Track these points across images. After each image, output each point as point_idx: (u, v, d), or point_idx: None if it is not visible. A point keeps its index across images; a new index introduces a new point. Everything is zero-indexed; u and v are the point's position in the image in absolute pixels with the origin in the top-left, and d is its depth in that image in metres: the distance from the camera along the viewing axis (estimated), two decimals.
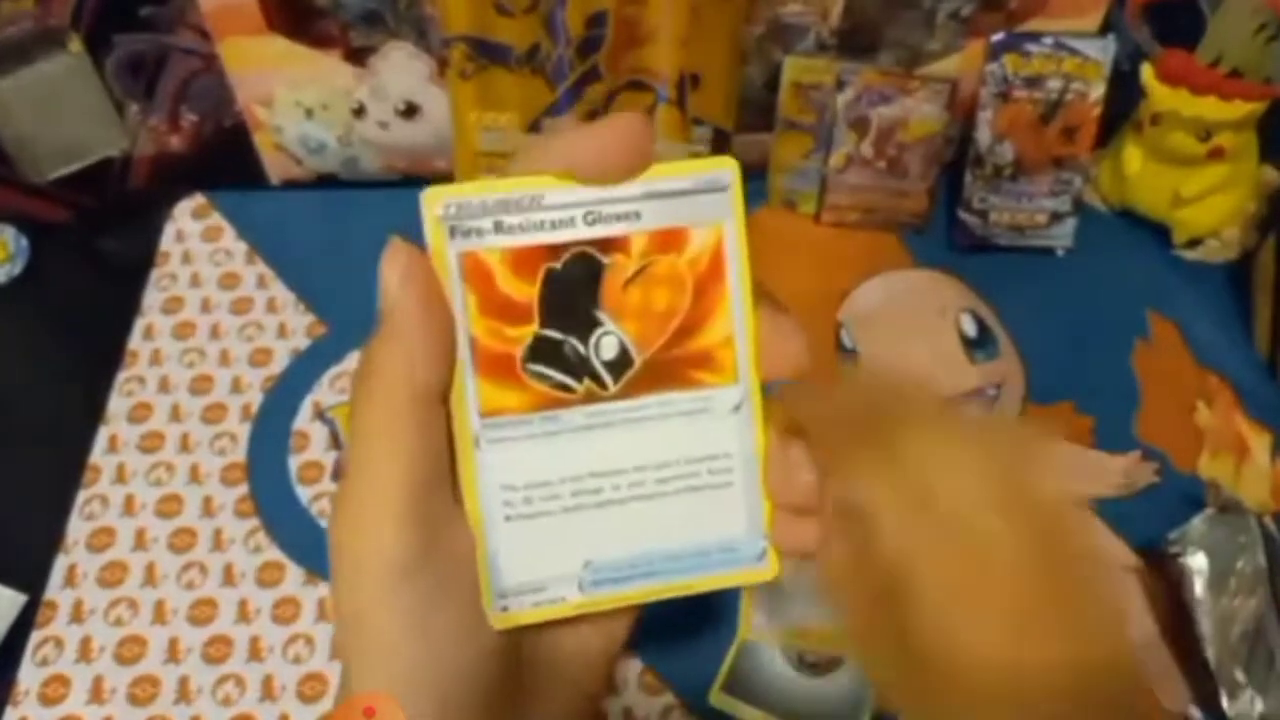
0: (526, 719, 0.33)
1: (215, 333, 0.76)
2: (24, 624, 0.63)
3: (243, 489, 0.69)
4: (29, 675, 0.61)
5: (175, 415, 0.72)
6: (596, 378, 0.32)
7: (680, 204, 0.31)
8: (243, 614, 0.64)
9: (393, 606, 0.29)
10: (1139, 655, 0.62)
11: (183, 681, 0.61)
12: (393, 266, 0.30)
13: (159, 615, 0.64)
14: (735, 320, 0.32)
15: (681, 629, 0.63)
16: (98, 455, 0.70)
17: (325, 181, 0.84)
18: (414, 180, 0.84)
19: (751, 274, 0.32)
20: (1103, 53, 0.75)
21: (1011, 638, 0.31)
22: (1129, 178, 0.79)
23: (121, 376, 0.74)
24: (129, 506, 0.68)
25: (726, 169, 0.32)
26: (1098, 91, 0.76)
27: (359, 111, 0.78)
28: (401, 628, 0.29)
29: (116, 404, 0.72)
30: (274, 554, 0.66)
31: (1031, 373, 0.74)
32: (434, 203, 0.31)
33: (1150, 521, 0.66)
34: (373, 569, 0.29)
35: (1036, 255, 0.81)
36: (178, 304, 0.77)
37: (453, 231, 0.31)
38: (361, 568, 0.29)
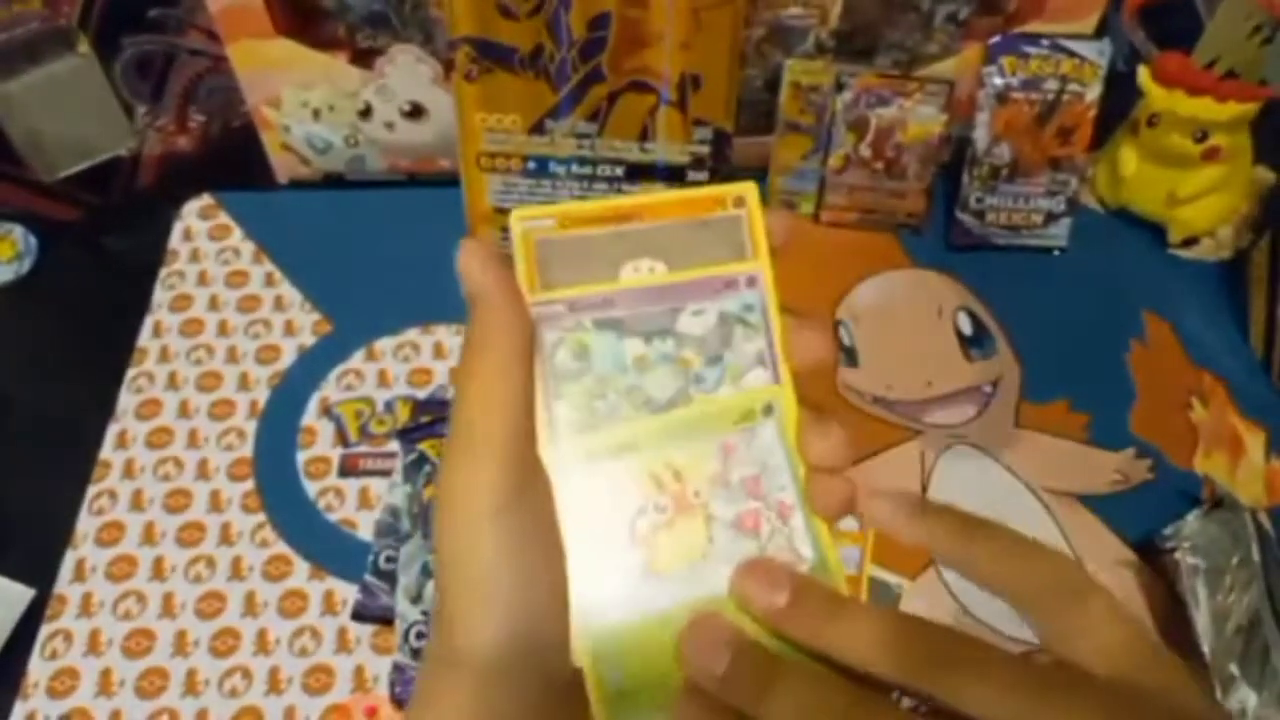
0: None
1: (223, 330, 0.77)
2: (33, 618, 0.64)
3: (250, 484, 0.69)
4: (38, 668, 0.62)
5: (183, 411, 0.73)
6: None
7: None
8: (250, 607, 0.64)
9: (493, 536, 0.33)
10: None
11: (190, 674, 0.62)
12: (472, 257, 0.35)
13: (167, 609, 0.64)
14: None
15: None
16: (107, 451, 0.71)
17: (331, 181, 0.85)
18: (419, 180, 0.85)
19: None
20: (1099, 55, 0.76)
21: None
22: (1125, 178, 0.79)
23: (130, 373, 0.74)
24: (138, 501, 0.69)
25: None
26: (1094, 93, 0.77)
27: (365, 112, 0.79)
28: (499, 555, 0.33)
29: (125, 400, 0.73)
30: (281, 548, 0.67)
31: (1027, 370, 0.75)
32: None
33: (1145, 518, 0.67)
34: (476, 505, 0.33)
35: (1033, 255, 0.81)
36: (186, 302, 0.78)
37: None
38: (466, 505, 0.34)
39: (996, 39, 0.77)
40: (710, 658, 0.34)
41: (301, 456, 0.71)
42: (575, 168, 0.74)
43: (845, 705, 0.32)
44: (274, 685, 0.62)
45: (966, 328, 0.77)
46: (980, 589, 0.36)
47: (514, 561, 0.34)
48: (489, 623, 0.34)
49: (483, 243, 0.36)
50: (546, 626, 0.35)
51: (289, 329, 0.77)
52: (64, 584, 0.65)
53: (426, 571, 0.63)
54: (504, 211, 0.72)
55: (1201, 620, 0.61)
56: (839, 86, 0.77)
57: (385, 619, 0.63)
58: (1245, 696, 0.59)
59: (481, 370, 0.35)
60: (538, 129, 0.72)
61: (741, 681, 0.33)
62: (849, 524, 0.67)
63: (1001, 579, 0.35)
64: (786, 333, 0.38)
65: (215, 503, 0.69)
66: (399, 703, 0.61)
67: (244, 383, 0.74)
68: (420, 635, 0.61)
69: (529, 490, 0.35)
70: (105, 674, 0.62)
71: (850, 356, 0.76)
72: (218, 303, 0.78)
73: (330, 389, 0.74)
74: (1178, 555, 0.62)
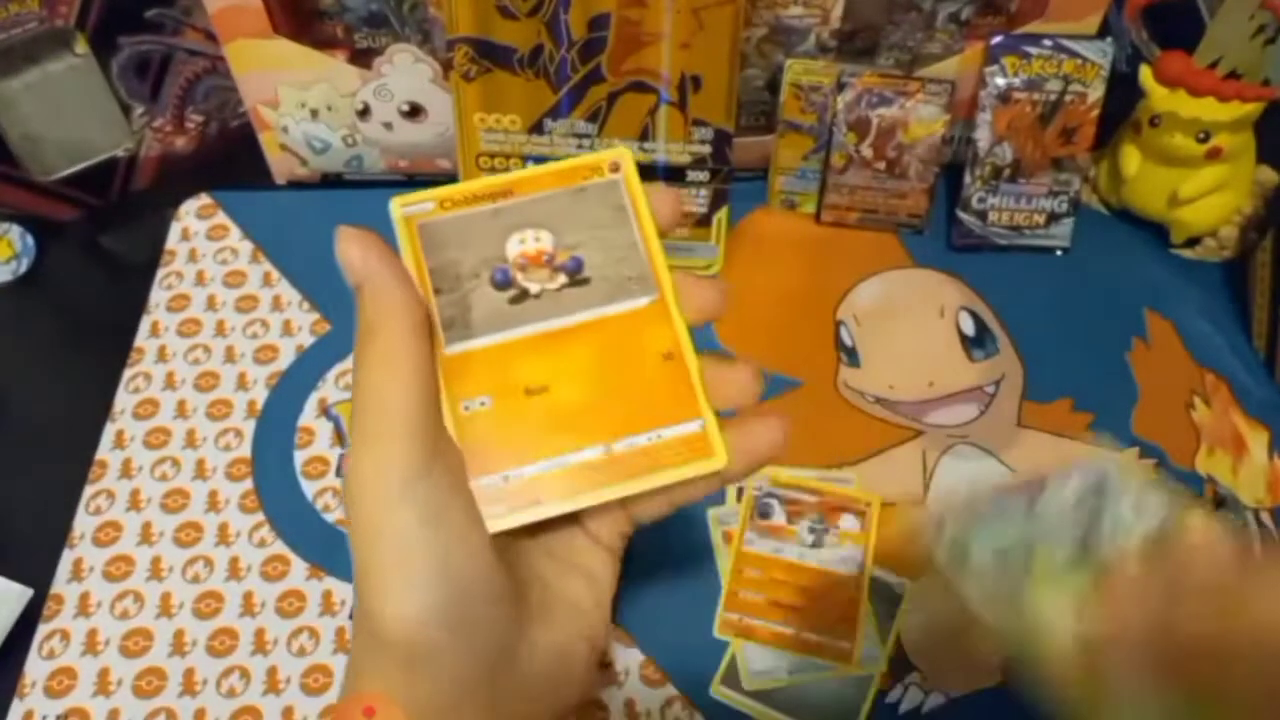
0: (529, 642, 0.37)
1: (220, 330, 0.77)
2: (30, 617, 0.63)
3: (248, 484, 0.69)
4: (35, 668, 0.62)
5: (181, 411, 0.72)
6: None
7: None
8: (248, 607, 0.64)
9: (407, 509, 0.34)
10: None
11: (188, 674, 0.62)
12: (350, 243, 0.36)
13: (165, 608, 0.64)
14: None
15: (683, 622, 0.63)
16: (104, 451, 0.70)
17: (330, 181, 0.85)
18: (418, 180, 0.84)
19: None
20: (1101, 55, 0.76)
21: None
22: (1127, 178, 0.79)
23: (128, 373, 0.74)
24: (135, 501, 0.68)
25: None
26: (1096, 93, 0.77)
27: (363, 112, 0.79)
28: (415, 525, 0.34)
29: (123, 400, 0.73)
30: (279, 548, 0.66)
31: (1030, 371, 0.75)
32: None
33: None
34: (387, 479, 0.34)
35: (1035, 255, 0.81)
36: (183, 301, 0.78)
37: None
38: (378, 480, 0.34)
39: (998, 39, 0.76)
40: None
41: (300, 456, 0.71)
42: None
43: None
44: (272, 685, 0.61)
45: (968, 328, 0.77)
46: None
47: (429, 532, 0.34)
48: (411, 599, 0.34)
49: (360, 229, 0.37)
50: (469, 600, 0.35)
51: (287, 329, 0.77)
52: (61, 583, 0.65)
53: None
54: None
55: None
56: (840, 86, 0.77)
57: None
58: None
59: (376, 352, 0.35)
60: (537, 129, 0.72)
61: None
62: (850, 523, 0.67)
63: None
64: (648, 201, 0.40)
65: (213, 502, 0.68)
66: None
67: (242, 382, 0.74)
68: None
69: (437, 462, 0.35)
70: (103, 673, 0.62)
71: (851, 356, 0.76)
72: (215, 302, 0.78)
73: (328, 389, 0.74)
74: None
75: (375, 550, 0.34)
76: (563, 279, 0.39)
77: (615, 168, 0.41)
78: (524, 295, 0.39)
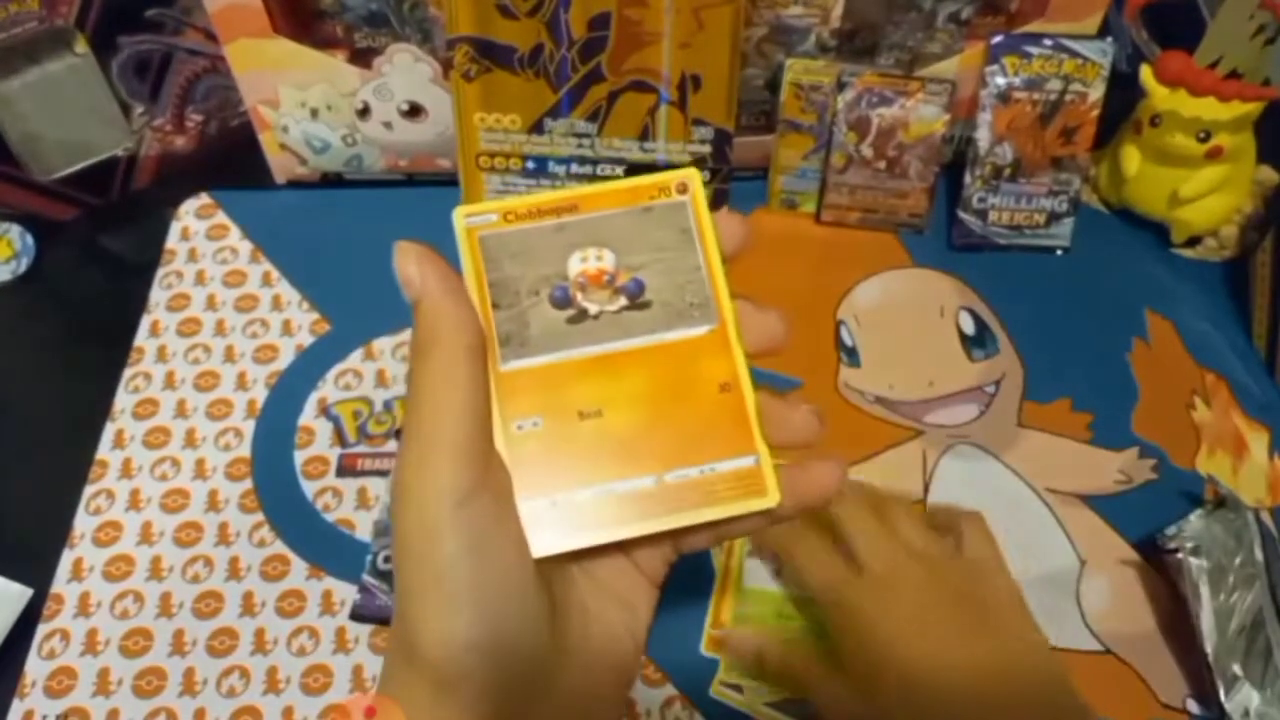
0: (562, 671, 0.36)
1: (220, 329, 0.76)
2: (30, 617, 0.63)
3: (248, 484, 0.69)
4: (35, 668, 0.62)
5: (181, 411, 0.72)
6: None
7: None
8: (248, 607, 0.64)
9: (454, 529, 0.33)
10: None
11: (188, 674, 0.62)
12: (407, 259, 0.36)
13: (165, 608, 0.64)
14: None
15: (683, 621, 0.63)
16: (104, 450, 0.70)
17: (329, 181, 0.85)
18: (417, 179, 0.84)
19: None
20: (1102, 54, 0.76)
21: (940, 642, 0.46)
22: (1128, 178, 0.79)
23: (127, 373, 0.74)
24: (135, 501, 0.68)
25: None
26: (1097, 93, 0.77)
27: (363, 112, 0.79)
28: (461, 548, 0.33)
29: (122, 400, 0.73)
30: (279, 548, 0.66)
31: (1030, 370, 0.75)
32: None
33: (1148, 518, 0.66)
34: (436, 498, 0.33)
35: (1035, 254, 0.81)
36: (183, 301, 0.78)
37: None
38: (426, 499, 0.34)
39: (999, 38, 0.76)
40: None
41: (299, 456, 0.70)
42: (574, 167, 0.74)
43: None
44: (272, 685, 0.61)
45: (969, 327, 0.77)
46: None
47: (476, 559, 0.34)
48: (449, 623, 0.33)
49: (417, 243, 0.36)
50: (507, 626, 0.34)
51: (286, 328, 0.77)
52: (61, 583, 0.65)
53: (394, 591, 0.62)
54: None
55: (1204, 620, 0.60)
56: (840, 86, 0.77)
57: (384, 619, 0.63)
58: (1248, 696, 0.58)
59: (431, 370, 0.35)
60: (537, 128, 0.72)
61: None
62: None
63: None
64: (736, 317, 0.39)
65: (213, 502, 0.68)
66: None
67: (241, 382, 0.74)
68: None
69: (487, 485, 0.35)
70: (103, 673, 0.62)
71: (851, 356, 0.75)
72: (215, 302, 0.78)
73: (328, 388, 0.74)
74: (1180, 555, 0.62)
75: (419, 571, 0.34)
76: (623, 301, 0.38)
77: (683, 188, 0.40)
78: (583, 315, 0.38)
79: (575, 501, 0.37)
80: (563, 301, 0.38)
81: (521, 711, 0.35)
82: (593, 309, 0.38)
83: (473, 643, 0.34)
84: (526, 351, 0.38)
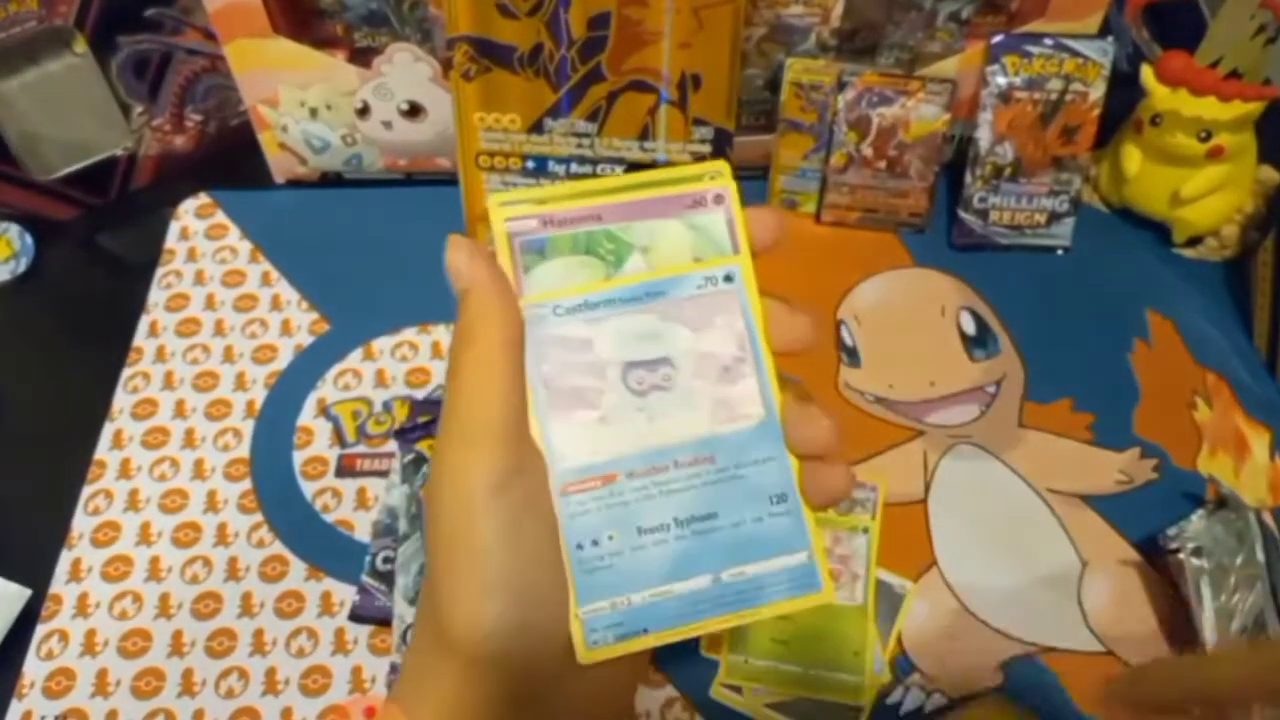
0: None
1: (219, 329, 0.76)
2: (28, 618, 0.63)
3: (246, 484, 0.69)
4: (34, 669, 0.62)
5: (180, 411, 0.72)
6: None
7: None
8: (246, 608, 0.64)
9: (489, 516, 0.34)
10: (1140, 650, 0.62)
11: (187, 675, 0.62)
12: (459, 251, 0.37)
13: (163, 609, 0.64)
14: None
15: None
16: (103, 450, 0.70)
17: (329, 180, 0.85)
18: (416, 179, 0.84)
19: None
20: (1102, 54, 0.76)
21: None
22: (1128, 178, 0.79)
23: (126, 373, 0.74)
24: (134, 501, 0.68)
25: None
26: (1098, 92, 0.77)
27: (363, 111, 0.78)
28: (496, 532, 0.34)
29: (121, 400, 0.73)
30: (277, 548, 0.66)
31: (1031, 370, 0.75)
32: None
33: (1149, 518, 0.66)
34: (470, 486, 0.34)
35: (1036, 254, 0.81)
36: (182, 301, 0.78)
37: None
38: (460, 486, 0.34)
39: (999, 38, 0.76)
40: None
41: (298, 456, 0.70)
42: (574, 167, 0.73)
43: None
44: (271, 686, 0.61)
45: (969, 327, 0.77)
46: None
47: (510, 543, 0.34)
48: (483, 607, 0.34)
49: (469, 238, 0.38)
50: (540, 613, 0.35)
51: (286, 328, 0.76)
52: (60, 584, 0.65)
53: (424, 572, 0.62)
54: None
55: (1206, 620, 0.60)
56: (841, 85, 0.77)
57: (383, 620, 0.63)
58: None
59: (472, 359, 0.36)
60: (537, 128, 0.72)
61: None
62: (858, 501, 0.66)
63: None
64: (766, 317, 0.39)
65: (212, 502, 0.68)
66: None
67: (240, 382, 0.74)
68: None
69: (523, 472, 0.35)
70: (101, 674, 0.62)
71: (852, 356, 0.75)
72: (214, 302, 0.78)
73: (327, 388, 0.73)
74: (1182, 555, 0.62)
75: (452, 553, 0.34)
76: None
77: (719, 199, 0.43)
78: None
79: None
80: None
81: (545, 694, 0.36)
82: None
83: (505, 626, 0.34)
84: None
